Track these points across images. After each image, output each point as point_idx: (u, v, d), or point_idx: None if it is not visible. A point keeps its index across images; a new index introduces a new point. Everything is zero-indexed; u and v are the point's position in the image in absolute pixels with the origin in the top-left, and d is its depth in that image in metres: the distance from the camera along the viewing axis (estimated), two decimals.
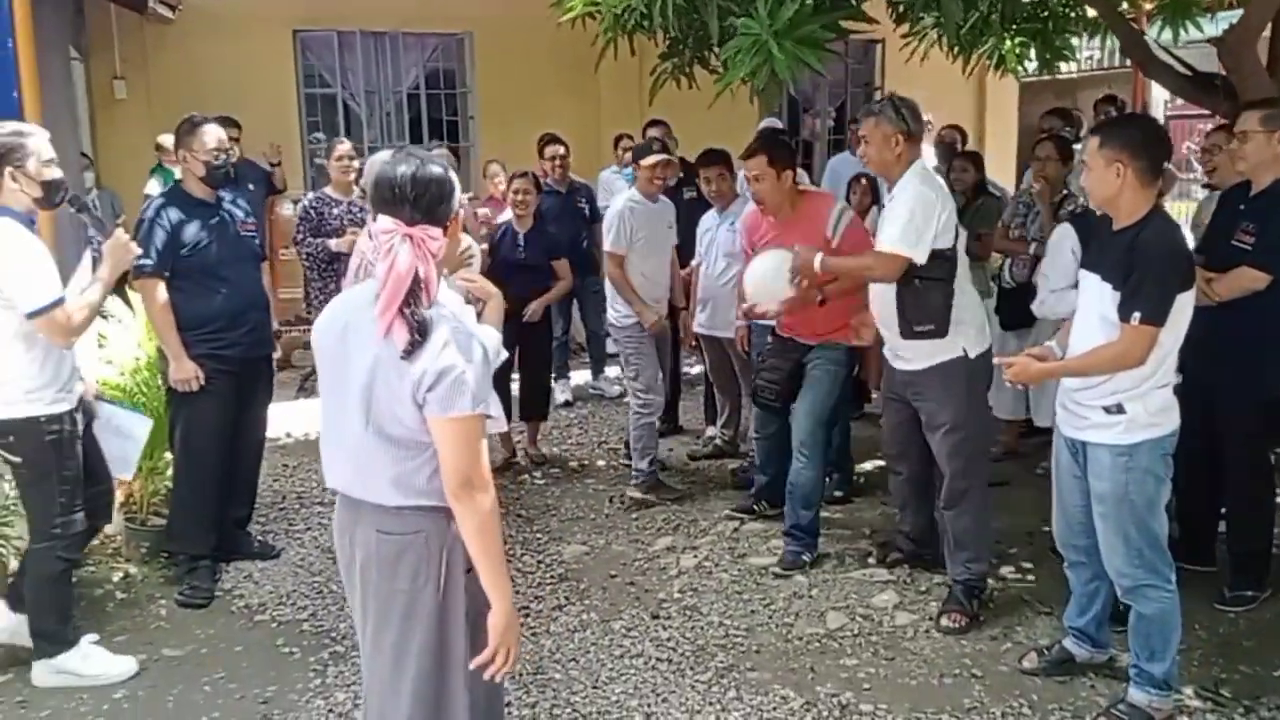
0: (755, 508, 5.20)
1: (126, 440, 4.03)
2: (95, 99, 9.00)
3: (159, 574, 4.57)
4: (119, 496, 4.74)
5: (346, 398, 2.28)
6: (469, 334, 2.27)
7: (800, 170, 5.32)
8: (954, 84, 7.59)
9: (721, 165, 5.52)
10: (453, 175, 2.34)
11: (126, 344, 5.29)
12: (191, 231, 4.22)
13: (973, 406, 4.04)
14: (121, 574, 4.54)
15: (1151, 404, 3.20)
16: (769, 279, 4.42)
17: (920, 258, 3.80)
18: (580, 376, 7.87)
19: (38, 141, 3.56)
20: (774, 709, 3.50)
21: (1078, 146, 7.66)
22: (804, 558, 4.65)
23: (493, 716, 2.54)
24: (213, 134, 4.28)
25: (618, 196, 5.84)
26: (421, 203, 2.23)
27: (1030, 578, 4.48)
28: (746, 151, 4.69)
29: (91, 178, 7.97)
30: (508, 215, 6.22)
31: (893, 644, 3.93)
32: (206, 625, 4.18)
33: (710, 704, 3.54)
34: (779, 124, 8.21)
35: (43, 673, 3.66)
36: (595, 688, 3.66)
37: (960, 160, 6.37)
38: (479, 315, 2.64)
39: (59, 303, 3.45)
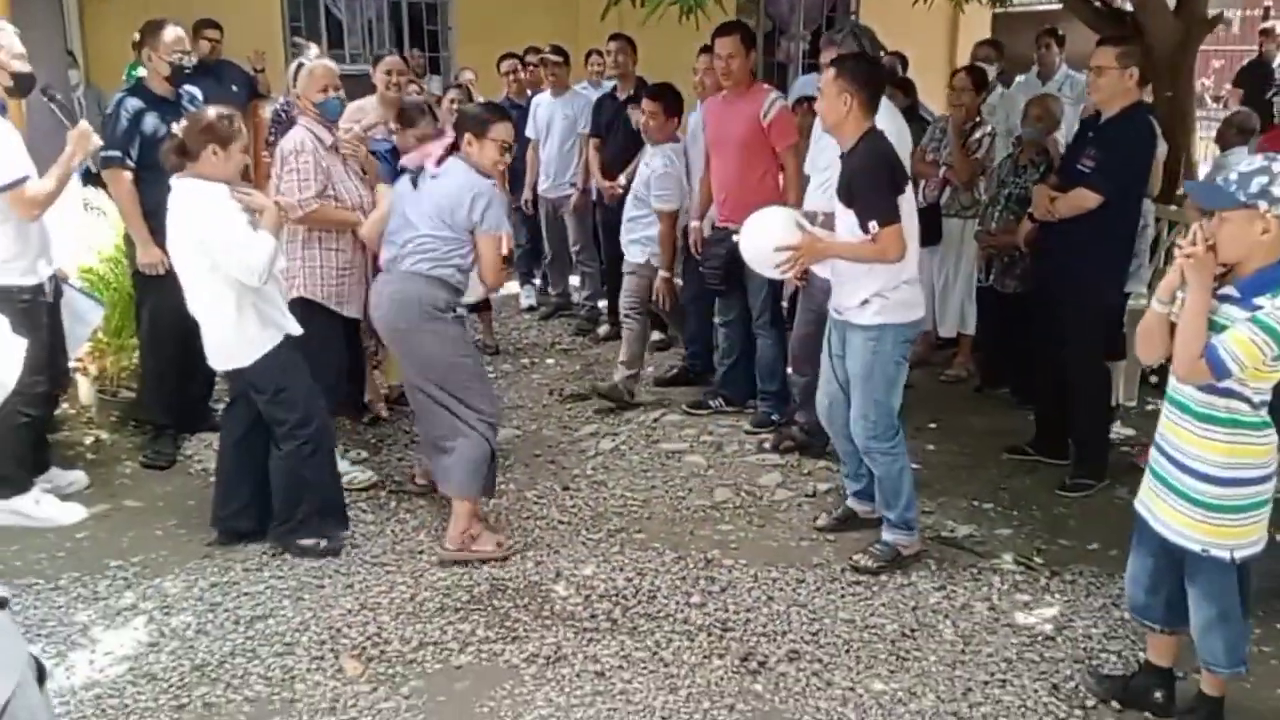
0: (711, 403, 5.62)
1: (79, 323, 4.48)
2: None
3: (127, 440, 5.08)
4: (92, 371, 5.27)
5: None
6: None
7: (777, 90, 5.65)
8: (926, 13, 7.89)
9: (659, 103, 5.63)
10: None
11: (107, 233, 5.76)
12: (153, 125, 4.60)
13: None
14: (93, 439, 5.05)
15: (896, 296, 3.78)
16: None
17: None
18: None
19: (7, 37, 4.03)
20: (649, 561, 4.02)
21: (1021, 79, 8.00)
22: (773, 417, 5.28)
23: None
24: (173, 34, 4.67)
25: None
26: None
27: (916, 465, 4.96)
28: (723, 29, 5.11)
29: (77, 75, 8.28)
30: None
31: (767, 515, 4.44)
32: (165, 484, 4.70)
33: (595, 556, 4.07)
34: None
35: None
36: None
37: (890, 87, 6.67)
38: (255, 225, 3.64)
39: (24, 179, 3.91)
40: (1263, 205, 2.58)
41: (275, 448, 3.94)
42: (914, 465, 4.90)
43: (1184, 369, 2.69)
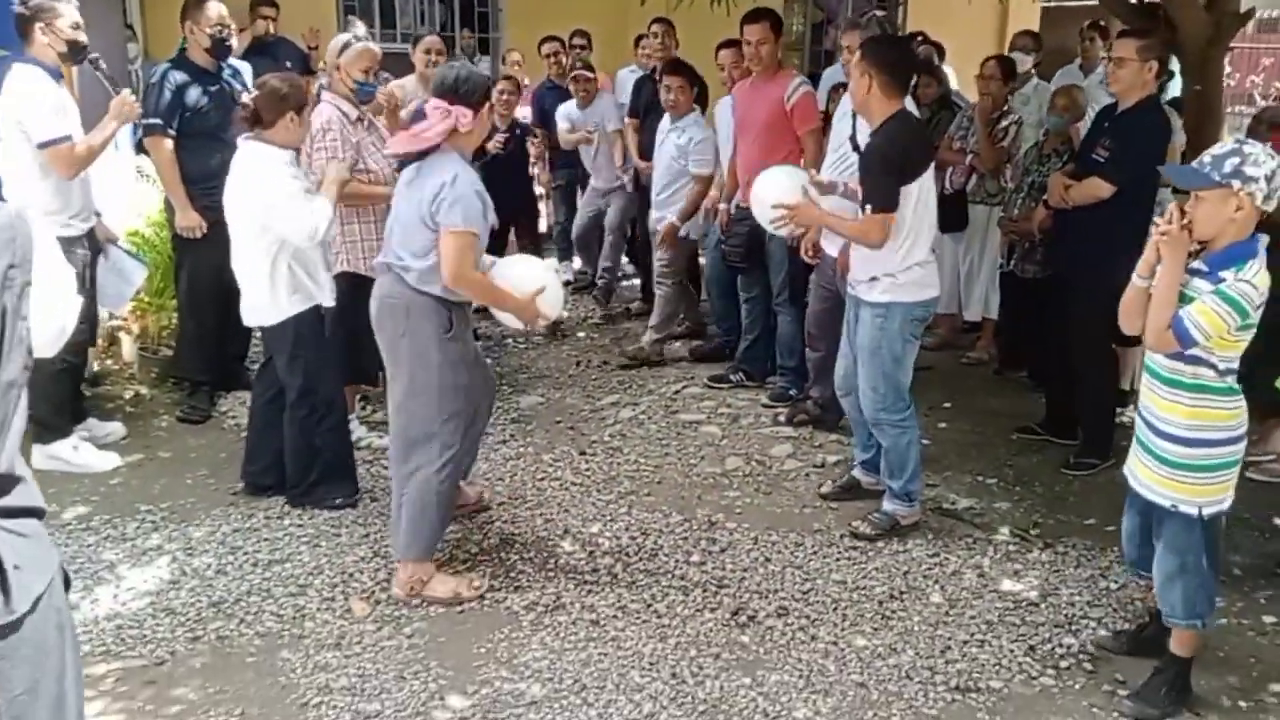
0: (732, 377, 5.74)
1: (124, 282, 4.71)
2: None
3: (165, 395, 5.31)
4: (134, 329, 5.51)
5: None
6: None
7: (803, 76, 5.74)
8: (975, 5, 7.89)
9: (682, 76, 5.90)
10: None
11: (155, 199, 6.00)
12: (194, 96, 4.82)
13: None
14: (132, 393, 5.29)
15: (905, 277, 3.85)
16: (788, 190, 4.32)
17: None
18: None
19: (68, 8, 4.29)
20: (655, 522, 4.15)
21: (1062, 71, 7.93)
22: (790, 391, 5.38)
23: None
24: (215, 9, 4.87)
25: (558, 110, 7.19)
26: None
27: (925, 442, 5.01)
28: (751, 15, 5.22)
29: (135, 48, 8.54)
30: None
31: (774, 483, 4.55)
32: (199, 437, 4.92)
33: (602, 516, 4.20)
34: None
35: (38, 456, 4.39)
36: (512, 498, 4.35)
37: (924, 76, 6.67)
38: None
39: (66, 139, 4.15)
40: (1236, 184, 2.70)
41: (288, 410, 4.11)
42: (924, 441, 4.98)
43: (1153, 338, 2.84)
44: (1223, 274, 2.73)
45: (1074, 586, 3.69)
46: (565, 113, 7.27)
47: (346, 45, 4.64)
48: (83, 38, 4.31)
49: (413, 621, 3.43)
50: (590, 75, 7.20)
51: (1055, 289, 4.89)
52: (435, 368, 3.43)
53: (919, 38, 7.77)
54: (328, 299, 4.10)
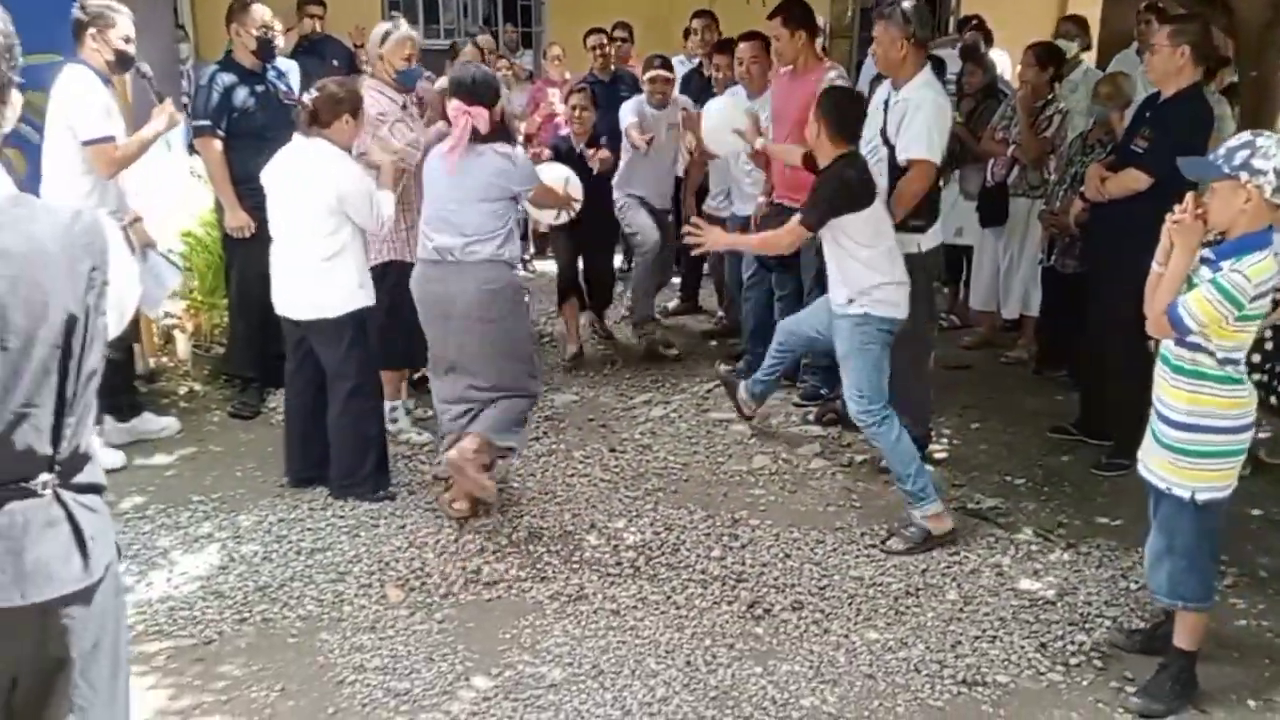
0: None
1: (158, 286, 4.88)
2: None
3: (217, 392, 5.53)
4: (188, 328, 5.74)
5: None
6: None
7: (839, 68, 5.71)
8: None
9: (730, 56, 5.91)
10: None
11: (205, 200, 6.22)
12: (241, 97, 5.03)
13: (916, 296, 4.44)
14: (187, 389, 5.53)
15: (879, 294, 4.04)
16: (718, 125, 5.33)
17: (940, 160, 4.46)
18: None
19: (124, 19, 4.49)
20: (679, 519, 4.27)
21: (1119, 55, 7.79)
22: (821, 390, 5.46)
23: None
24: (260, 12, 5.10)
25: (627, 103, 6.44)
26: None
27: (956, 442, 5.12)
28: (769, 16, 5.29)
29: (187, 49, 8.78)
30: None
31: (800, 482, 4.64)
32: (249, 431, 5.13)
33: (628, 511, 4.33)
34: None
35: None
36: (542, 493, 4.49)
37: (970, 64, 6.61)
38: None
39: (109, 139, 4.36)
40: (1244, 176, 2.77)
41: (338, 404, 4.27)
42: (954, 442, 5.08)
43: (1153, 322, 2.95)
44: (1223, 263, 2.82)
45: (1093, 586, 3.75)
46: (635, 107, 6.35)
47: (387, 35, 4.82)
48: (131, 50, 4.50)
49: (443, 608, 3.60)
50: (670, 76, 6.52)
51: (1092, 285, 4.87)
52: (526, 338, 4.12)
53: (973, 22, 7.74)
54: (373, 297, 4.30)
